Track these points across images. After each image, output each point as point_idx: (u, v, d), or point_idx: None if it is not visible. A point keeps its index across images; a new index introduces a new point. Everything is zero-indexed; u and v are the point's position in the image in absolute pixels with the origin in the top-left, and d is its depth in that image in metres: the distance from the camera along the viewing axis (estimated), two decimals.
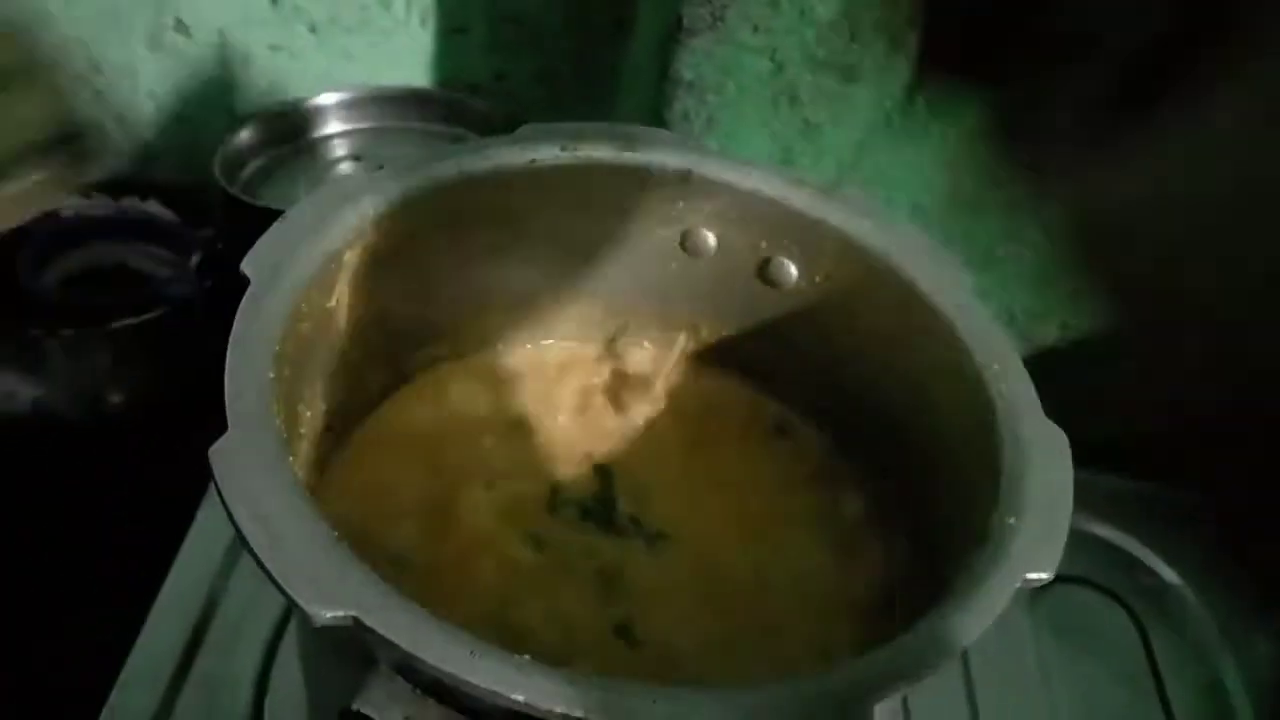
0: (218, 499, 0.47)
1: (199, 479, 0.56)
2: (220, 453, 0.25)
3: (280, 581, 0.23)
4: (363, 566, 0.24)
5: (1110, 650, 0.50)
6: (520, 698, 0.22)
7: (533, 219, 0.39)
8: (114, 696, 0.40)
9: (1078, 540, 0.52)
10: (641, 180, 0.39)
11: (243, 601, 0.45)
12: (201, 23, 0.66)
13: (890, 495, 0.37)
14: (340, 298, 0.34)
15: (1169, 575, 0.52)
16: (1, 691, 0.57)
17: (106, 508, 0.65)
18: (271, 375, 0.28)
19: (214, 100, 0.70)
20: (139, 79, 0.70)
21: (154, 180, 0.73)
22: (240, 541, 0.24)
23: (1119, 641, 0.50)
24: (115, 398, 0.66)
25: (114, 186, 0.73)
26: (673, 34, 0.46)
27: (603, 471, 0.40)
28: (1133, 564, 0.53)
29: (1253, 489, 0.54)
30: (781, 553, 0.38)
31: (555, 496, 0.39)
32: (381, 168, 0.61)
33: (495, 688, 0.22)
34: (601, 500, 0.39)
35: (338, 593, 0.23)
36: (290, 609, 0.44)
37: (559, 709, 0.22)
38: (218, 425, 0.60)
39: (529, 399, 0.42)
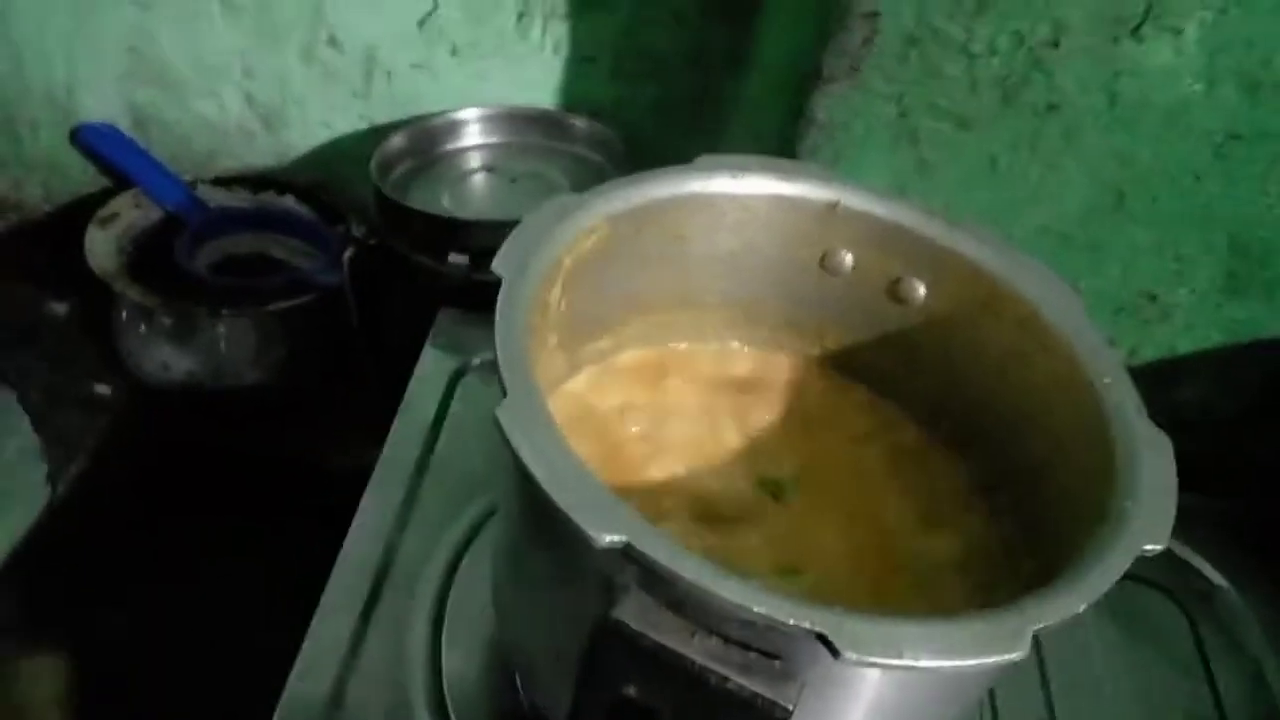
0: (385, 471, 0.54)
1: (331, 452, 0.63)
2: (506, 413, 0.32)
3: (569, 512, 0.29)
4: (623, 503, 0.30)
5: (1165, 642, 0.56)
6: (762, 610, 0.28)
7: (698, 236, 0.46)
8: (315, 623, 0.47)
9: None
10: (794, 207, 0.45)
11: (415, 556, 0.51)
12: (352, 40, 0.73)
13: (1001, 483, 0.43)
14: (555, 294, 0.41)
15: (1217, 578, 0.58)
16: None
17: (247, 473, 0.72)
18: (527, 351, 0.35)
19: (354, 109, 0.77)
20: (288, 86, 0.77)
21: (291, 178, 0.80)
22: (529, 482, 0.30)
23: (1173, 635, 0.56)
24: (257, 374, 0.73)
25: (254, 183, 0.80)
26: (810, 79, 0.53)
27: (733, 456, 0.47)
28: (1185, 567, 0.59)
29: None
30: (902, 533, 0.44)
31: (702, 473, 0.45)
32: (515, 180, 0.68)
33: (742, 601, 0.28)
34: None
35: (612, 522, 0.29)
36: (450, 556, 0.51)
37: (794, 622, 0.28)
38: (348, 406, 0.66)
39: (678, 390, 0.48)
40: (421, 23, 0.72)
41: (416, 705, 0.45)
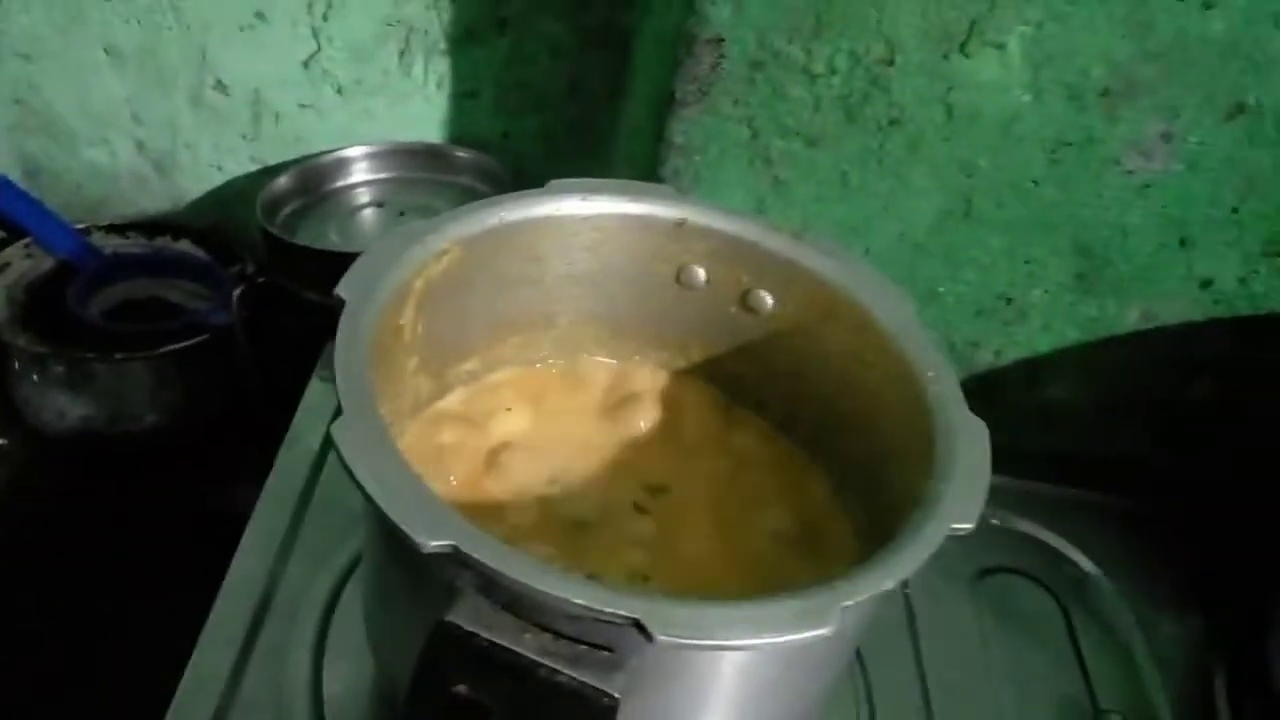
0: (268, 502, 0.55)
1: (229, 489, 0.63)
2: (341, 428, 0.33)
3: (397, 520, 0.31)
4: (454, 511, 0.32)
5: (1039, 628, 0.58)
6: (581, 601, 0.30)
7: (555, 257, 0.47)
8: (195, 655, 0.47)
9: (1011, 537, 0.62)
10: (645, 226, 0.47)
11: (298, 586, 0.52)
12: (239, 83, 0.75)
13: (850, 479, 0.45)
14: (408, 318, 0.42)
15: (1089, 566, 0.61)
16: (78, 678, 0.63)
17: (146, 517, 0.72)
18: (369, 373, 0.36)
19: (245, 150, 0.78)
20: (178, 131, 0.77)
21: (186, 221, 0.81)
22: (361, 493, 0.32)
23: (1046, 621, 0.58)
24: (153, 417, 0.73)
25: (149, 228, 0.80)
26: (666, 105, 0.55)
27: (604, 467, 0.48)
28: (1057, 557, 0.61)
29: (1162, 496, 0.64)
30: (763, 534, 0.46)
31: (571, 485, 0.47)
32: (403, 214, 0.69)
33: (562, 594, 0.30)
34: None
35: (440, 528, 0.31)
36: (337, 583, 0.51)
37: (610, 609, 0.30)
38: (243, 444, 0.67)
39: (549, 408, 0.50)
40: (306, 63, 0.73)
41: None
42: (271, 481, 0.55)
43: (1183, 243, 0.57)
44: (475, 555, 0.30)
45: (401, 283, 0.40)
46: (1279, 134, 0.53)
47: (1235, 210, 0.55)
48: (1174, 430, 0.64)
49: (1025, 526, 0.62)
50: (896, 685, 0.53)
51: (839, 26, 0.51)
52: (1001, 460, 0.64)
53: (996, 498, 0.62)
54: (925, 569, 0.55)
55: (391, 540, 0.36)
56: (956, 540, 0.59)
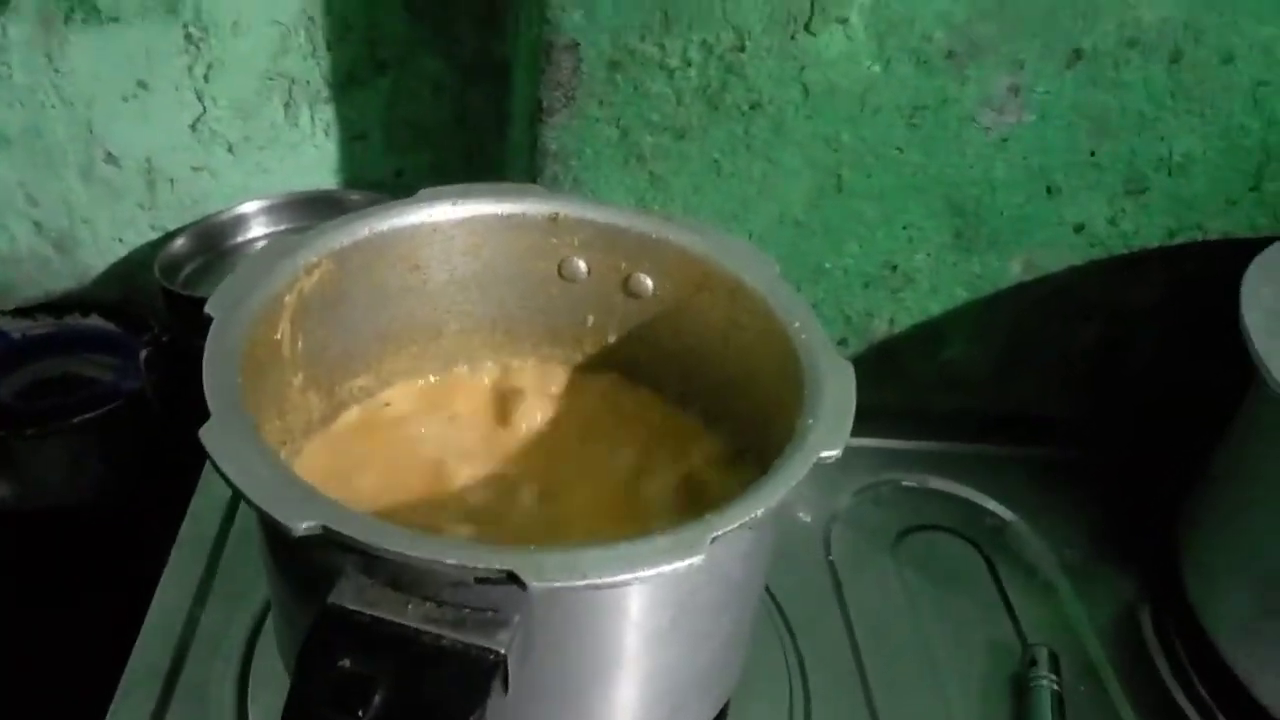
0: (185, 546, 0.55)
1: (152, 552, 0.62)
2: (207, 430, 0.34)
3: (264, 508, 0.31)
4: (324, 495, 0.32)
5: (964, 578, 0.59)
6: (454, 561, 0.30)
7: (435, 264, 0.48)
8: (116, 701, 0.47)
9: (929, 496, 0.63)
10: (519, 224, 0.48)
11: (218, 624, 0.51)
12: (128, 153, 0.75)
13: (747, 440, 0.46)
14: (284, 332, 0.42)
15: (1006, 515, 0.62)
16: None
17: (76, 592, 0.71)
18: (239, 380, 0.36)
19: (144, 220, 0.79)
20: (74, 208, 0.78)
21: (93, 297, 0.81)
22: (230, 487, 0.32)
23: (970, 571, 0.59)
24: (76, 491, 0.72)
25: (56, 307, 0.80)
26: (536, 114, 0.56)
27: (513, 468, 0.49)
28: (976, 509, 0.62)
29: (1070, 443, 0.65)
30: (667, 508, 0.47)
31: (478, 486, 0.47)
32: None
33: (436, 557, 0.30)
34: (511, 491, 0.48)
35: (308, 511, 0.31)
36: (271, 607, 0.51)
37: (485, 565, 0.30)
38: (169, 513, 0.67)
39: (452, 416, 0.51)
40: (194, 126, 0.74)
41: None
42: (186, 527, 0.55)
43: (1049, 191, 0.59)
44: (344, 531, 0.31)
45: (271, 297, 0.41)
46: (1118, 75, 0.55)
47: (1093, 153, 0.58)
48: (1069, 378, 0.66)
49: (940, 484, 0.63)
50: (829, 653, 0.54)
51: (687, 19, 0.53)
52: (909, 424, 0.66)
53: (909, 460, 0.65)
54: (848, 535, 0.57)
55: (271, 534, 0.37)
56: (876, 504, 0.61)
